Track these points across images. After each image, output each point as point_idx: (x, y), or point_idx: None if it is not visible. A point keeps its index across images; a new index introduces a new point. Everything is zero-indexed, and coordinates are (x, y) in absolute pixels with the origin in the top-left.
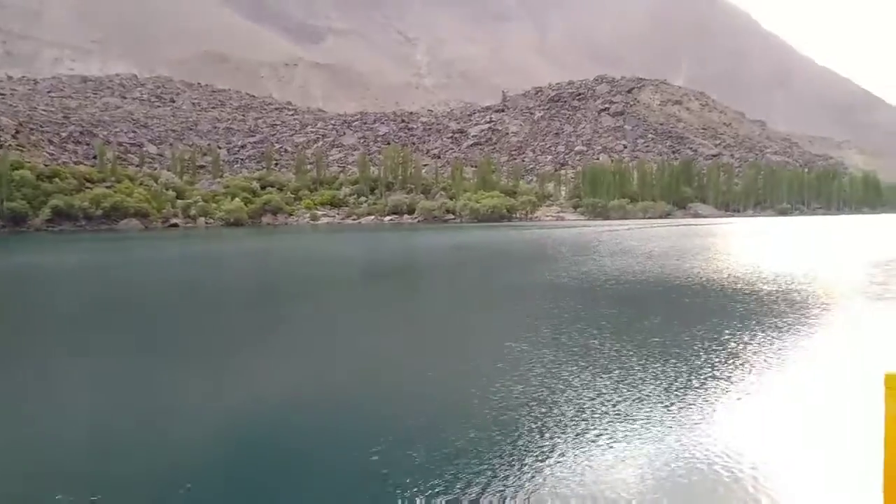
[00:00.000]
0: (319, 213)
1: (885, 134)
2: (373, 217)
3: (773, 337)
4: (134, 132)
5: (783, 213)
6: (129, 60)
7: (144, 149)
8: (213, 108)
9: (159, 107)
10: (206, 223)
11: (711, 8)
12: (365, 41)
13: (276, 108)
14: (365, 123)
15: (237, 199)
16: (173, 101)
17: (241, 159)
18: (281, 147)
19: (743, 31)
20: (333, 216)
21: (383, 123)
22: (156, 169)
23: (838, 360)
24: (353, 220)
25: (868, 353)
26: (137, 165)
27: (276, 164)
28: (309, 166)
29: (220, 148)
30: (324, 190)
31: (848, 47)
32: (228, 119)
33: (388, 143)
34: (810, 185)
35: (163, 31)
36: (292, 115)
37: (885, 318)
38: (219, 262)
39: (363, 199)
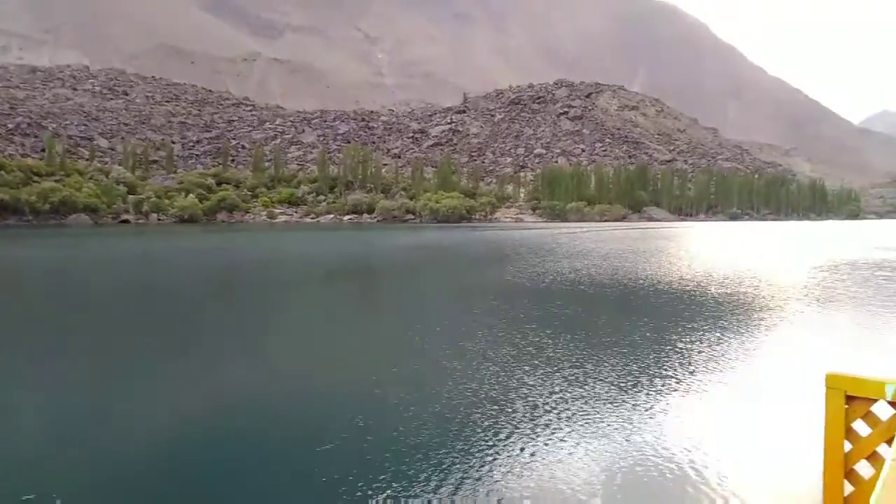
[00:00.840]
0: (277, 211)
1: (832, 144)
2: (332, 216)
3: (721, 337)
4: (85, 125)
5: (734, 217)
6: (81, 51)
7: (95, 142)
8: (167, 101)
9: (111, 99)
10: (159, 219)
11: (669, 17)
12: (324, 38)
13: (234, 104)
14: (325, 121)
15: (191, 195)
16: (126, 94)
17: (197, 155)
18: (238, 143)
19: (699, 41)
20: (291, 214)
21: (343, 122)
22: (107, 163)
23: (783, 359)
24: (312, 218)
25: (810, 352)
26: (88, 159)
27: (233, 161)
28: (267, 163)
29: (174, 143)
30: (282, 188)
31: (799, 60)
32: (183, 113)
33: (348, 142)
34: (760, 192)
35: (117, 23)
36: (250, 110)
37: (826, 320)
38: (172, 261)
39: (322, 197)
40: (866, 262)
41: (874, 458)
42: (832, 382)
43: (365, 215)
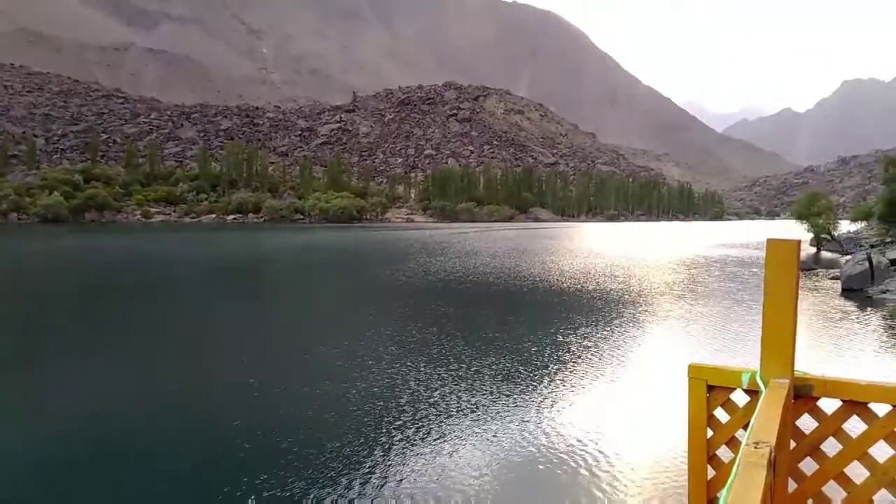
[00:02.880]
0: (153, 210)
1: (699, 149)
2: (214, 215)
3: (595, 331)
4: None
5: (611, 218)
6: None
7: None
8: (28, 91)
9: None
10: (19, 219)
11: (552, 25)
12: (204, 29)
13: (104, 96)
14: (205, 116)
15: (56, 193)
16: None
17: (62, 149)
18: (109, 138)
19: (579, 50)
20: (170, 214)
21: (226, 117)
22: None
23: (651, 351)
24: (192, 218)
25: (674, 345)
26: None
27: (103, 157)
28: (141, 160)
29: (36, 136)
30: (158, 185)
31: (669, 70)
32: (47, 105)
33: (232, 139)
34: (634, 194)
35: None
36: (122, 103)
37: (689, 314)
38: (27, 264)
39: (203, 196)
40: (725, 259)
41: (732, 444)
42: (694, 373)
43: (250, 215)
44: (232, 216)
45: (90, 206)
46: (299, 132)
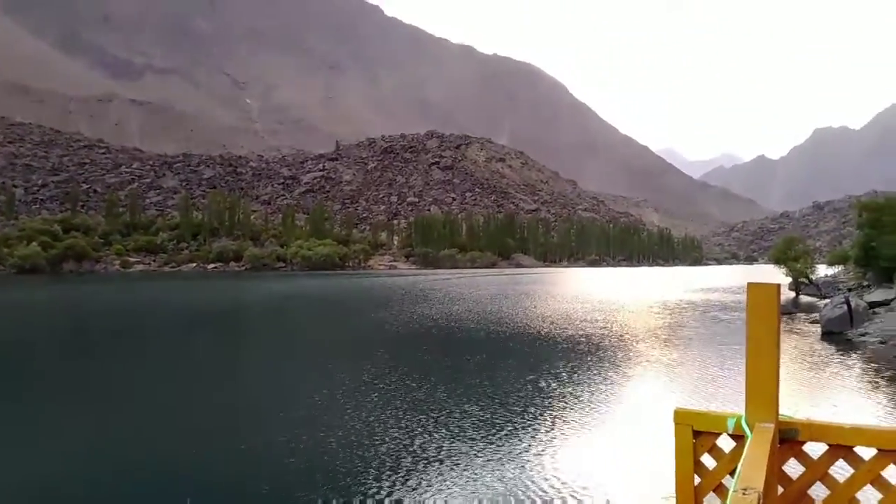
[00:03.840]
0: (132, 259)
1: (677, 195)
2: (194, 264)
3: (579, 376)
4: None
5: (593, 264)
6: None
7: None
8: (9, 142)
9: None
10: None
11: (531, 76)
12: (188, 81)
13: (86, 146)
14: (188, 165)
15: (34, 243)
16: None
17: (42, 200)
18: (90, 187)
19: (558, 100)
20: (149, 263)
21: (209, 166)
22: None
23: (636, 397)
24: (172, 267)
25: (659, 390)
26: None
27: (83, 206)
28: (122, 209)
29: (16, 187)
30: (138, 235)
31: (646, 120)
32: (28, 155)
33: (214, 188)
34: (615, 239)
35: None
36: (104, 153)
37: (673, 358)
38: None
39: (184, 245)
40: (707, 303)
41: (720, 490)
42: (680, 418)
43: (232, 263)
44: (213, 265)
45: (68, 256)
46: (282, 181)
